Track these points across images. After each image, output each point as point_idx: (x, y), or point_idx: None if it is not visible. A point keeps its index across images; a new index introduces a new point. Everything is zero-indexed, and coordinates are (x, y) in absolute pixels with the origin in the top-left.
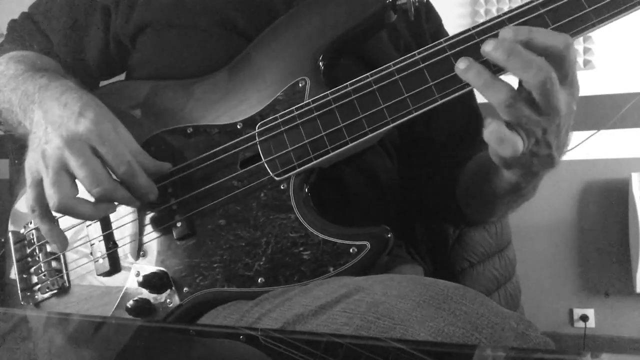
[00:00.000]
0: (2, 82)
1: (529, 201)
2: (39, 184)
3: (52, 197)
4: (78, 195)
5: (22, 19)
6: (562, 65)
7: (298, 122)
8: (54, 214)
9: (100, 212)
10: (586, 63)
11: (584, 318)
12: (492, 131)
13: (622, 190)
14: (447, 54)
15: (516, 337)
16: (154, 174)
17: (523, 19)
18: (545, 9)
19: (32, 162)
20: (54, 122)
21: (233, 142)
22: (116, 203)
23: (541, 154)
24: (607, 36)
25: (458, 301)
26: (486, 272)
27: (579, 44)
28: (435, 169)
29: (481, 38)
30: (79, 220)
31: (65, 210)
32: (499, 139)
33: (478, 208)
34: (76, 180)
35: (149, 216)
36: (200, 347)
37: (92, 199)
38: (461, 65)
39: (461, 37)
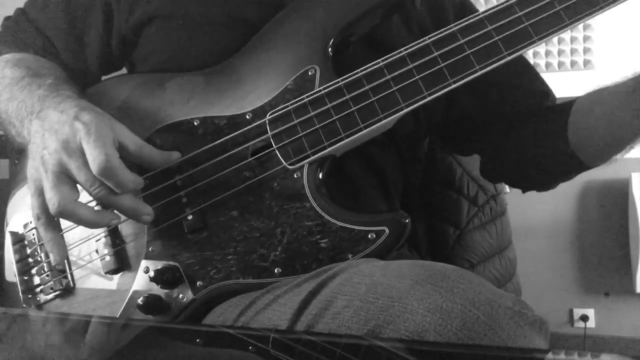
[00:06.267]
0: None
1: (529, 201)
2: (42, 193)
3: (51, 200)
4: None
5: (17, 15)
6: None
7: (310, 110)
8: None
9: (102, 219)
10: (586, 63)
11: (584, 318)
12: None
13: (622, 190)
14: (460, 42)
15: (513, 315)
16: (163, 164)
17: (534, 6)
18: None
19: (33, 171)
20: (51, 129)
21: (243, 132)
22: (122, 217)
23: None
24: (607, 36)
25: (456, 280)
26: (486, 272)
27: (579, 43)
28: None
29: (493, 26)
30: None
31: (65, 214)
32: None
33: (600, 150)
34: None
35: (158, 210)
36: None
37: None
38: None
39: (472, 21)
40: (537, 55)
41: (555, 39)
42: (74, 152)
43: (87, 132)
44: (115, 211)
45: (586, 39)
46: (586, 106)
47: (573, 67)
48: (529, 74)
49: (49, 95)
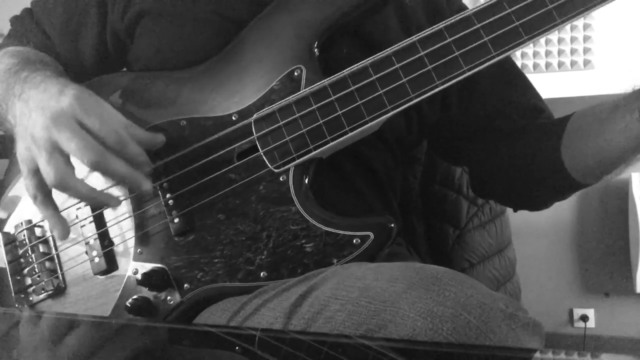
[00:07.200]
0: None
1: None
2: (36, 172)
3: (49, 174)
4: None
5: (23, 14)
6: None
7: (295, 111)
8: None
9: (101, 194)
10: (586, 63)
11: (584, 318)
12: None
13: (622, 190)
14: (447, 40)
15: (505, 318)
16: (148, 145)
17: (523, 3)
18: None
19: (24, 151)
20: (37, 107)
21: (229, 134)
22: (121, 198)
23: None
24: (607, 36)
25: (447, 283)
26: (486, 272)
27: (579, 43)
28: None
29: (482, 23)
30: (73, 218)
31: (63, 186)
32: None
33: (593, 168)
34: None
35: (145, 212)
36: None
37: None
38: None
39: (459, 18)
40: (537, 55)
41: (555, 39)
42: (63, 125)
43: (81, 105)
44: (113, 195)
45: (586, 39)
46: (581, 122)
47: (573, 67)
48: (523, 88)
49: (29, 76)
